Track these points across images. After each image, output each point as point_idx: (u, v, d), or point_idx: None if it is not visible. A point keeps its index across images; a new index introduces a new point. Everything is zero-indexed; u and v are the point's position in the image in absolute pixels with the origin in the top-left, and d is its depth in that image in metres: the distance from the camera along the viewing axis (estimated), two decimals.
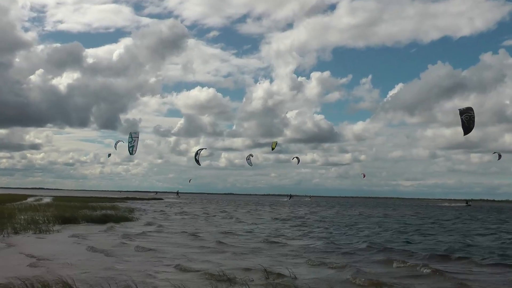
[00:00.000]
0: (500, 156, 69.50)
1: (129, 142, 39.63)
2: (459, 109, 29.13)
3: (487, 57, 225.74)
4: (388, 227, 28.36)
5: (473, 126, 28.26)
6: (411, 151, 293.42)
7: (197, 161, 59.75)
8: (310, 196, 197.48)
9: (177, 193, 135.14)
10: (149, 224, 26.79)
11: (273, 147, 70.25)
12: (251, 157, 75.94)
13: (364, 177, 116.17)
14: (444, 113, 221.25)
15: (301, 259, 14.48)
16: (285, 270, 12.02)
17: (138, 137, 39.86)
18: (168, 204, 64.99)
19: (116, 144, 61.16)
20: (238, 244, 17.86)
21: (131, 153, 39.85)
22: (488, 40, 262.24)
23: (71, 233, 19.75)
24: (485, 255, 16.15)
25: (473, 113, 28.32)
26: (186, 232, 21.79)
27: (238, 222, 30.67)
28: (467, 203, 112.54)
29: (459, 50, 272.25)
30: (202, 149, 62.83)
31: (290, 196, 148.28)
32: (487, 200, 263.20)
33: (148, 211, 42.01)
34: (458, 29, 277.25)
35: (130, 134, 40.13)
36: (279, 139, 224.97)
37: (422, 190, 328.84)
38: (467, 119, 28.61)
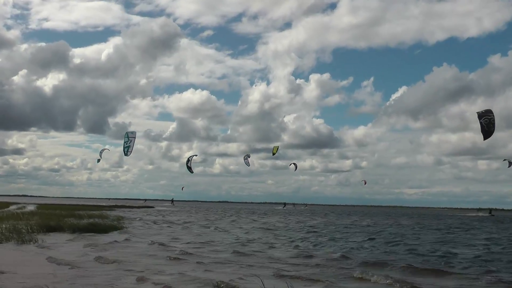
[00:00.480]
0: (510, 163, 69.09)
1: (124, 142, 39.32)
2: (477, 112, 28.55)
3: (495, 59, 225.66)
4: (376, 237, 28.26)
5: (494, 130, 27.82)
6: (415, 157, 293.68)
7: (189, 169, 59.12)
8: (306, 205, 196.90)
9: (172, 201, 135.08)
10: (123, 233, 26.78)
11: (274, 152, 69.75)
12: (248, 157, 75.41)
13: (365, 184, 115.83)
14: (450, 117, 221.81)
15: (269, 271, 14.40)
16: (244, 283, 11.95)
17: (134, 138, 39.61)
18: (156, 213, 64.87)
19: (101, 152, 60.64)
20: (205, 254, 17.91)
21: (126, 154, 39.60)
22: (496, 41, 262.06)
23: (46, 243, 19.73)
24: (468, 267, 16.11)
25: (493, 116, 27.90)
26: (156, 242, 21.65)
27: (218, 231, 30.80)
28: (490, 212, 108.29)
29: (466, 51, 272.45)
30: (193, 155, 62.60)
31: (285, 204, 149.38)
32: (496, 209, 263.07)
33: (132, 219, 41.85)
34: (465, 29, 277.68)
35: (127, 133, 39.90)
36: (276, 144, 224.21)
37: (426, 198, 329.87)
38: (487, 123, 28.06)
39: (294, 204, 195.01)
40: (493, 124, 27.67)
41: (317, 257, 17.93)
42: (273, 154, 70.67)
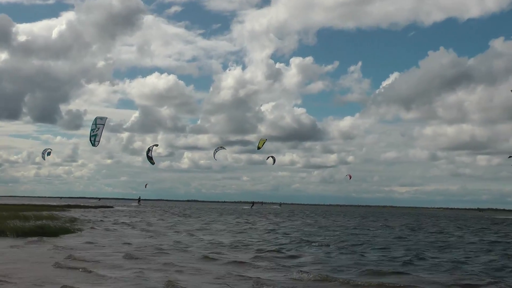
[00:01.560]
0: None
1: (92, 130, 38.31)
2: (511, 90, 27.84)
3: (498, 44, 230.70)
4: (317, 240, 28.68)
5: None
6: (407, 152, 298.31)
7: (150, 159, 59.61)
8: (280, 204, 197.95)
9: (139, 200, 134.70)
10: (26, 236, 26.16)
11: (260, 146, 70.00)
12: (222, 149, 75.23)
13: (350, 178, 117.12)
14: (446, 108, 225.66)
15: (164, 274, 14.88)
16: None
17: (103, 125, 38.65)
18: (109, 214, 63.83)
19: (44, 153, 59.66)
20: (105, 260, 18.04)
21: (93, 144, 38.87)
22: (499, 23, 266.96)
23: None
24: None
25: None
26: (59, 246, 21.65)
27: (147, 233, 30.72)
28: None
29: (466, 34, 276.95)
30: (154, 145, 63.17)
31: (253, 203, 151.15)
32: (496, 210, 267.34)
33: (83, 221, 41.17)
34: (465, 10, 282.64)
35: (95, 120, 38.98)
36: (252, 136, 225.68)
37: (420, 197, 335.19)
38: None
39: (280, 204, 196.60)
40: None
41: (224, 263, 18.36)
42: (258, 148, 70.72)
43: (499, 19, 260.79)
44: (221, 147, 76.59)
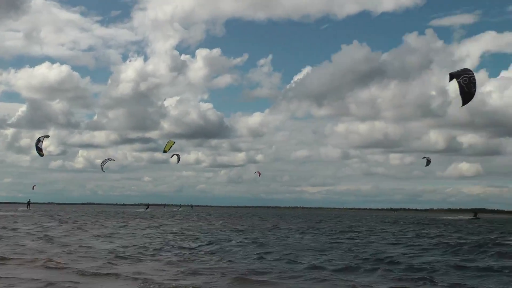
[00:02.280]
0: (429, 161, 73.44)
1: None
2: (450, 73, 28.34)
3: (411, 38, 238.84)
4: (191, 244, 28.82)
5: (475, 91, 27.64)
6: (318, 150, 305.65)
7: (39, 151, 58.07)
8: (191, 206, 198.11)
9: (28, 204, 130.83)
10: None
11: (166, 149, 69.05)
12: (110, 160, 74.28)
13: (259, 175, 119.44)
14: (359, 104, 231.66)
15: None
16: None
17: None
18: None
19: None
20: None
21: None
22: (413, 18, 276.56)
23: None
24: None
25: (473, 74, 27.91)
26: None
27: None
28: (475, 215, 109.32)
29: (379, 28, 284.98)
30: (45, 136, 61.63)
31: (148, 206, 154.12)
32: (409, 209, 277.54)
33: None
34: (379, 3, 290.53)
35: None
36: (154, 134, 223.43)
37: (332, 197, 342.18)
38: (466, 82, 27.98)
39: (191, 205, 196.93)
40: (474, 83, 27.55)
41: (70, 272, 17.93)
42: (165, 151, 69.58)
43: (413, 13, 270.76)
44: (109, 159, 76.05)
